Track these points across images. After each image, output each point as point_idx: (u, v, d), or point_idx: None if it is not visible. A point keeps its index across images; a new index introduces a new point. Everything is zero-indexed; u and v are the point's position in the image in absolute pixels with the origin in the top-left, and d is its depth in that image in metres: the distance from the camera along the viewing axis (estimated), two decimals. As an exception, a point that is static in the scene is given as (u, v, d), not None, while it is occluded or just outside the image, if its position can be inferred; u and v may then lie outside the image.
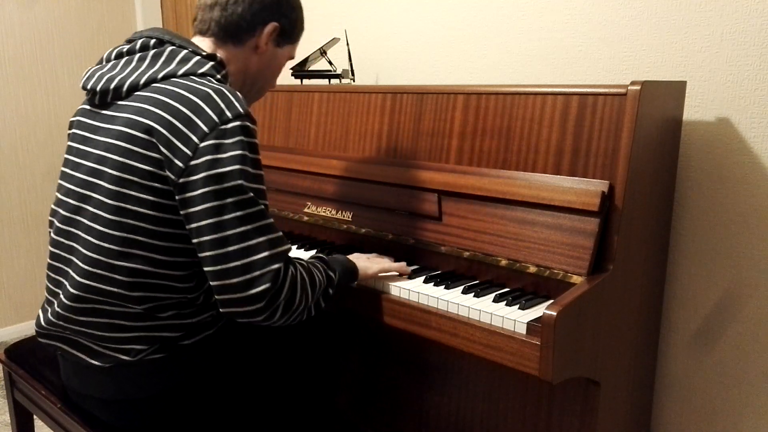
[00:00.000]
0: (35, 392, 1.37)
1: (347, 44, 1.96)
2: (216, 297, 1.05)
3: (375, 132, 1.59)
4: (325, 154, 1.68)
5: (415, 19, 1.98)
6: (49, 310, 1.18)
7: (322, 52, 1.92)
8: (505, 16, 1.77)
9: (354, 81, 1.98)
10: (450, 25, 1.90)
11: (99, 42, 2.89)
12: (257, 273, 1.02)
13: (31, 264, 2.81)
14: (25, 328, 2.80)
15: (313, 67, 2.01)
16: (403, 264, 1.35)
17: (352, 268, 1.27)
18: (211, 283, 1.04)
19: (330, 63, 1.96)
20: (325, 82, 2.02)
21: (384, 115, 1.57)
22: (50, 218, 1.20)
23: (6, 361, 1.47)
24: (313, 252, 1.51)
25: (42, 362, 1.42)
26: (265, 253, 1.03)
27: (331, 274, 1.19)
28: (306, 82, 2.08)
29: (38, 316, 1.22)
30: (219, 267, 1.02)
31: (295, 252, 1.53)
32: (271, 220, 1.06)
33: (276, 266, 1.04)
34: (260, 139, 1.88)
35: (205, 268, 1.04)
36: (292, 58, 1.32)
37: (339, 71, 1.94)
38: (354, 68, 2.11)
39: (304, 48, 2.33)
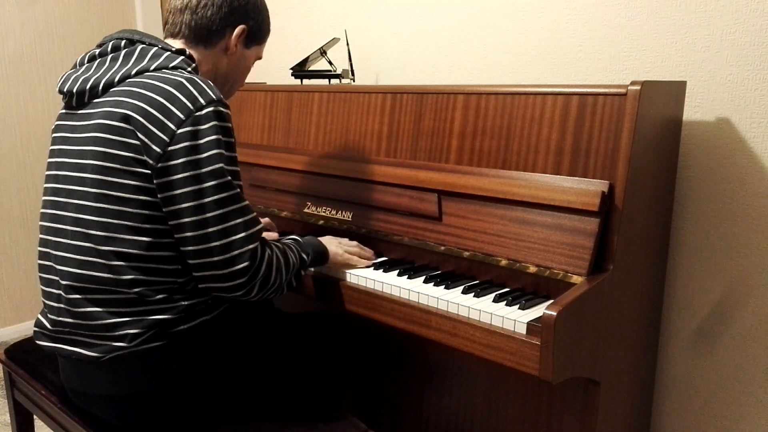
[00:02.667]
0: (35, 392, 1.37)
1: (347, 44, 1.96)
2: (195, 274, 1.11)
3: (375, 132, 1.59)
4: (325, 154, 1.68)
5: (415, 19, 1.98)
6: (48, 311, 1.19)
7: (322, 52, 1.92)
8: (505, 16, 1.77)
9: (354, 81, 1.98)
10: (450, 25, 1.89)
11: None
12: (236, 252, 1.10)
13: (31, 264, 2.81)
14: (25, 328, 2.80)
15: (313, 67, 2.01)
16: (371, 253, 1.44)
17: (323, 252, 1.36)
18: (189, 261, 1.10)
19: (330, 63, 1.96)
20: (325, 82, 2.02)
21: (384, 115, 1.57)
22: (40, 222, 1.23)
23: (6, 361, 1.47)
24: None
25: (42, 362, 1.42)
26: (242, 234, 1.10)
27: (304, 256, 1.29)
28: (306, 82, 2.08)
29: (38, 319, 1.22)
30: (200, 247, 1.08)
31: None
32: (246, 202, 1.13)
33: (253, 246, 1.12)
34: (260, 139, 1.88)
35: (185, 248, 1.10)
36: (259, 58, 1.40)
37: (339, 71, 1.94)
38: (354, 68, 2.11)
39: (304, 48, 2.33)
